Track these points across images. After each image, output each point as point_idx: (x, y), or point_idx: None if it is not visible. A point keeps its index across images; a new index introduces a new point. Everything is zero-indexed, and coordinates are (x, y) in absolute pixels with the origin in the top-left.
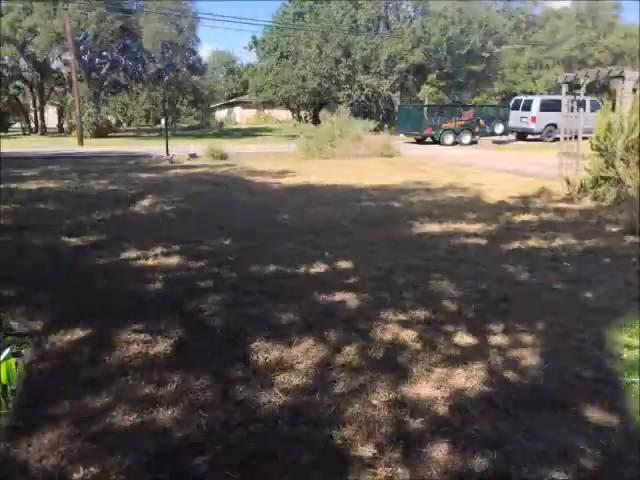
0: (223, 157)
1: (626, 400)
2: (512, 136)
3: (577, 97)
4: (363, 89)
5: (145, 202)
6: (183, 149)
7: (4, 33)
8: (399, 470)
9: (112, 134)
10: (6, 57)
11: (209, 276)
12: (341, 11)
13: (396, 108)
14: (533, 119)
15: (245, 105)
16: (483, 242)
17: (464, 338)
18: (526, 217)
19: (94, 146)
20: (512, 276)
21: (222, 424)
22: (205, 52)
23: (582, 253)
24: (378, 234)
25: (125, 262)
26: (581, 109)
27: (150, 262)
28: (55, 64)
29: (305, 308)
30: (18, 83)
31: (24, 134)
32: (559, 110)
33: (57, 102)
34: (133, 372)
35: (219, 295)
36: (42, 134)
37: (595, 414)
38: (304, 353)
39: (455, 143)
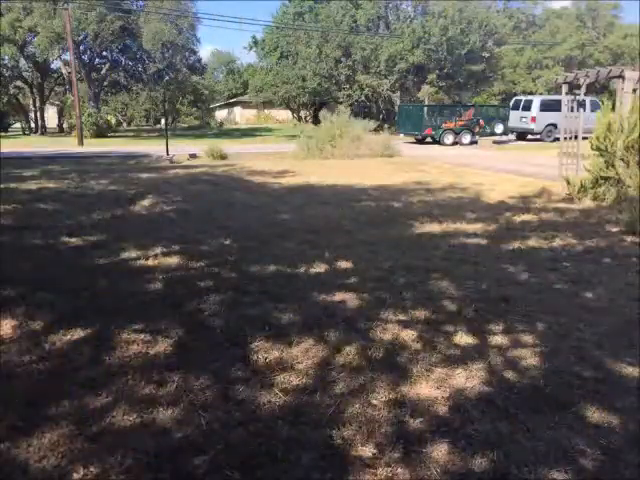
0: (223, 157)
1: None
2: (512, 136)
3: (577, 97)
4: (363, 89)
5: (145, 202)
6: (183, 149)
7: (4, 33)
8: (399, 470)
9: (112, 134)
10: (6, 57)
11: (209, 276)
12: (341, 11)
13: (396, 108)
14: (533, 119)
15: (245, 105)
16: (483, 242)
17: (464, 338)
18: (526, 217)
19: (94, 146)
20: (512, 276)
21: (222, 424)
22: (205, 52)
23: (582, 253)
24: (378, 234)
25: (125, 262)
26: (581, 109)
27: (150, 262)
28: (55, 64)
29: (305, 308)
30: (18, 83)
31: (24, 134)
32: (559, 110)
33: (57, 102)
34: (133, 372)
35: (219, 295)
36: (42, 134)
37: (595, 414)
38: (304, 353)
39: (455, 143)
